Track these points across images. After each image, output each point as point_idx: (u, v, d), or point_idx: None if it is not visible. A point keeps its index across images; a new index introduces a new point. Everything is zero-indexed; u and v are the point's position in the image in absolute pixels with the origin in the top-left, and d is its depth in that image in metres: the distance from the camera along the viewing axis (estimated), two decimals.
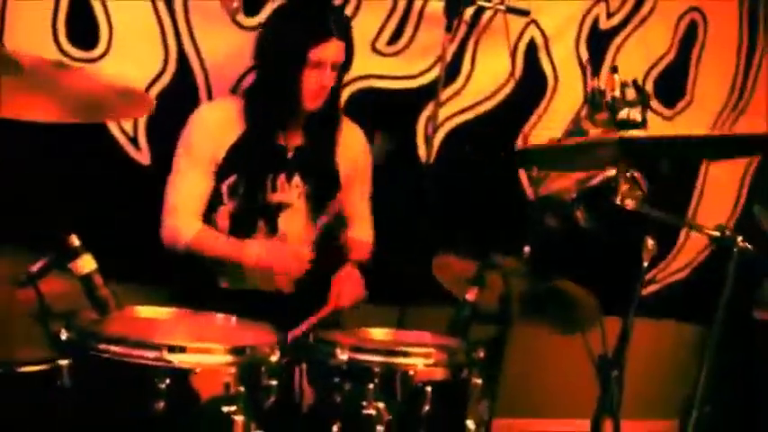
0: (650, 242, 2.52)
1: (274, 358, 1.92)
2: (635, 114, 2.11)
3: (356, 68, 3.03)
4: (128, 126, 2.94)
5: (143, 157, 2.97)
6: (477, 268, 2.24)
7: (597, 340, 2.50)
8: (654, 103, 3.38)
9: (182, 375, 1.81)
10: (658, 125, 3.35)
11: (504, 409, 2.80)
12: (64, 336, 1.86)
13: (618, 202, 2.15)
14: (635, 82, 2.63)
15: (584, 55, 3.27)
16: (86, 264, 1.90)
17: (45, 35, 2.80)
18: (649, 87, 3.36)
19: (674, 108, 3.45)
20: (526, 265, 2.47)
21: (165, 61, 2.93)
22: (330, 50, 2.61)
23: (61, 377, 1.86)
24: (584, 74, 3.28)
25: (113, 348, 1.83)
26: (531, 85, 3.25)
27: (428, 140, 3.12)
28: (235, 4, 2.79)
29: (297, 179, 2.74)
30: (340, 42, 2.63)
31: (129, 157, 2.95)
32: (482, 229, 3.14)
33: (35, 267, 1.89)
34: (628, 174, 2.52)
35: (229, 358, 1.86)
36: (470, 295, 2.19)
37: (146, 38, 2.91)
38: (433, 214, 3.04)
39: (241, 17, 2.91)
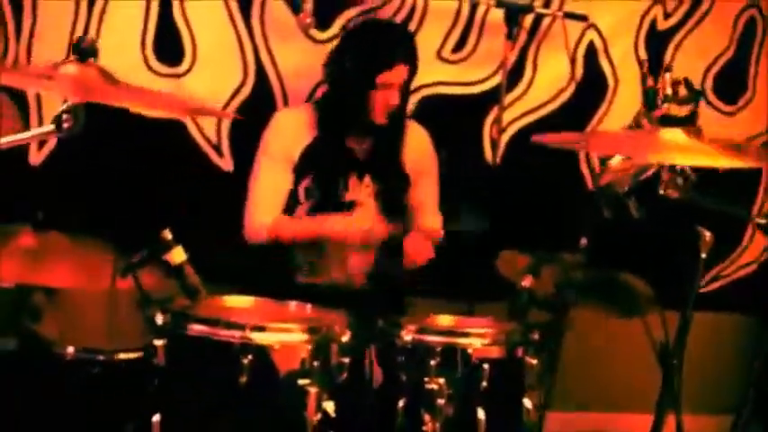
0: (707, 234, 2.71)
1: (345, 338, 2.20)
2: (676, 110, 2.30)
3: (423, 76, 3.30)
4: (211, 134, 3.28)
5: (226, 163, 3.30)
6: (533, 259, 2.48)
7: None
8: (714, 101, 3.56)
9: (263, 352, 2.10)
10: (719, 122, 3.54)
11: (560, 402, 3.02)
12: (159, 320, 2.17)
13: (661, 192, 2.35)
14: (686, 80, 2.84)
15: (643, 55, 3.46)
16: (178, 255, 2.20)
17: (134, 53, 3.17)
18: (709, 85, 3.54)
19: (735, 104, 3.61)
20: (583, 256, 2.68)
21: (245, 74, 3.26)
22: (396, 75, 2.89)
23: (156, 356, 2.18)
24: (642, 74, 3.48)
25: (202, 328, 2.13)
26: (591, 87, 3.46)
27: (494, 143, 3.37)
28: (308, 20, 3.07)
29: (367, 179, 3.03)
30: (405, 66, 2.91)
31: (212, 163, 3.30)
32: (548, 225, 3.36)
33: (135, 259, 2.22)
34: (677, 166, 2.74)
35: (305, 337, 2.15)
36: (526, 282, 2.42)
37: (226, 53, 3.24)
38: (499, 212, 3.29)
39: (313, 31, 3.21)
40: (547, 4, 3.35)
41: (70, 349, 2.50)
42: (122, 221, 3.16)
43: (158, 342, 2.17)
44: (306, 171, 2.99)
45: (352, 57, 2.92)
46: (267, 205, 2.97)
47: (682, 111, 2.34)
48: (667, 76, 2.81)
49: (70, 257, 2.46)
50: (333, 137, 2.99)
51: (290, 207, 3.01)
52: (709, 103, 3.54)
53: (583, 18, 3.27)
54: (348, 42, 3.01)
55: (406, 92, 2.97)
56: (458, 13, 3.34)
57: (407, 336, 2.28)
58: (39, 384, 2.52)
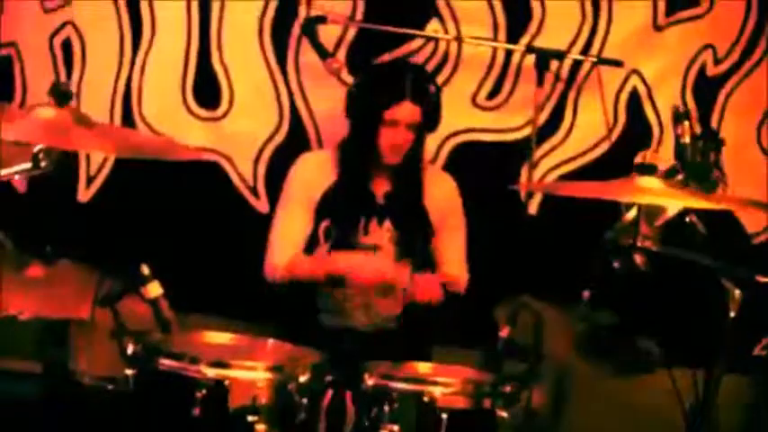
0: (737, 292, 2.64)
1: (303, 379, 2.28)
2: (652, 157, 2.27)
3: (457, 122, 3.40)
4: (248, 176, 3.45)
5: (262, 205, 3.46)
6: (510, 308, 2.48)
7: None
8: None
9: (215, 387, 2.21)
10: None
11: None
12: (130, 350, 2.32)
13: (638, 244, 2.32)
14: (710, 130, 2.79)
15: (691, 103, 3.39)
16: (154, 289, 2.35)
17: (175, 97, 3.39)
18: (765, 136, 3.43)
19: None
20: (586, 308, 2.66)
21: (280, 119, 3.42)
22: (403, 112, 2.97)
23: (127, 385, 2.34)
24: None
25: (164, 361, 2.27)
26: (635, 135, 3.41)
27: (528, 194, 3.38)
28: (335, 65, 3.21)
29: (387, 223, 3.10)
30: (414, 105, 2.98)
31: (249, 204, 3.47)
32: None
33: (112, 290, 2.39)
34: (687, 218, 2.68)
35: (260, 375, 2.25)
36: (503, 333, 2.43)
37: (263, 98, 3.40)
38: (529, 262, 3.29)
39: (345, 75, 3.31)
40: (585, 50, 3.35)
41: (87, 378, 2.73)
42: (159, 260, 3.39)
43: (129, 371, 2.32)
44: (326, 213, 3.08)
45: (365, 92, 3.04)
46: (286, 246, 3.07)
47: (655, 160, 2.30)
48: (686, 123, 2.78)
49: (78, 288, 2.66)
50: (353, 178, 3.09)
51: (310, 248, 3.10)
52: (764, 152, 3.43)
53: (618, 63, 3.25)
54: (363, 79, 3.12)
55: (420, 134, 3.03)
56: (492, 59, 3.38)
57: (370, 380, 2.34)
58: (59, 407, 2.75)
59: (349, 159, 3.10)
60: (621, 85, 3.40)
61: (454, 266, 3.18)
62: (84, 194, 3.46)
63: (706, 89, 3.40)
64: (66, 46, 3.37)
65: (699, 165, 2.71)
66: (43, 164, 2.25)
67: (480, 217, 3.27)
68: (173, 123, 3.40)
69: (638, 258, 2.67)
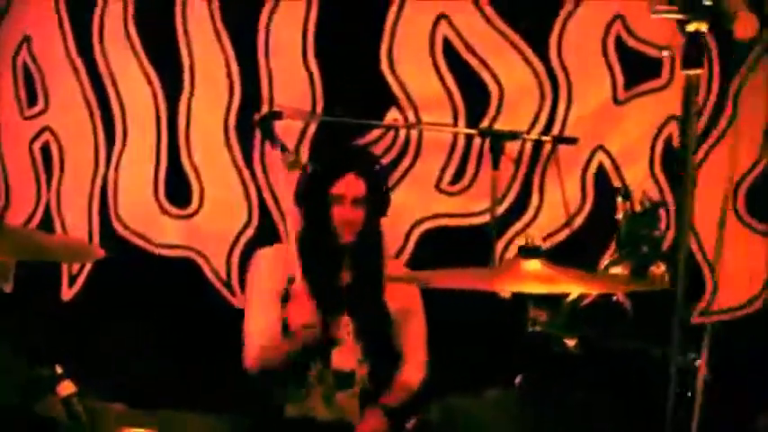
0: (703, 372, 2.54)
1: None
2: (536, 240, 2.20)
3: (423, 209, 3.40)
4: (222, 271, 3.52)
5: (238, 300, 3.51)
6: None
7: None
8: (746, 217, 3.33)
9: None
10: (754, 242, 3.28)
11: None
12: None
13: (529, 328, 2.25)
14: (649, 205, 2.72)
15: (661, 176, 3.30)
16: (66, 388, 2.42)
17: (148, 196, 3.50)
18: (741, 202, 3.31)
19: None
20: (517, 393, 2.59)
21: (250, 213, 3.48)
22: (348, 185, 2.99)
23: None
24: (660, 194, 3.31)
25: None
26: (605, 212, 3.32)
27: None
28: (290, 158, 3.26)
29: (346, 317, 3.09)
30: (358, 178, 2.99)
31: (224, 298, 3.52)
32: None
33: (30, 390, 2.46)
34: (613, 298, 2.60)
35: None
36: (410, 425, 2.38)
37: (232, 195, 3.48)
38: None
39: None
40: (547, 130, 3.31)
41: None
42: (139, 356, 3.48)
43: None
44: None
45: (311, 171, 3.09)
46: (260, 339, 3.05)
47: (539, 241, 2.23)
48: (619, 199, 2.73)
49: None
50: (313, 270, 3.07)
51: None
52: (740, 219, 3.31)
53: (572, 141, 3.21)
54: (309, 161, 3.19)
55: (371, 213, 3.03)
56: (453, 143, 3.39)
57: None
58: None
59: (307, 249, 3.11)
60: (587, 162, 3.35)
61: (414, 367, 3.16)
62: (67, 293, 3.58)
63: (675, 160, 3.31)
64: (45, 151, 3.54)
65: (631, 241, 2.64)
66: None
67: (451, 304, 3.24)
68: (147, 222, 3.51)
69: (569, 342, 2.60)
